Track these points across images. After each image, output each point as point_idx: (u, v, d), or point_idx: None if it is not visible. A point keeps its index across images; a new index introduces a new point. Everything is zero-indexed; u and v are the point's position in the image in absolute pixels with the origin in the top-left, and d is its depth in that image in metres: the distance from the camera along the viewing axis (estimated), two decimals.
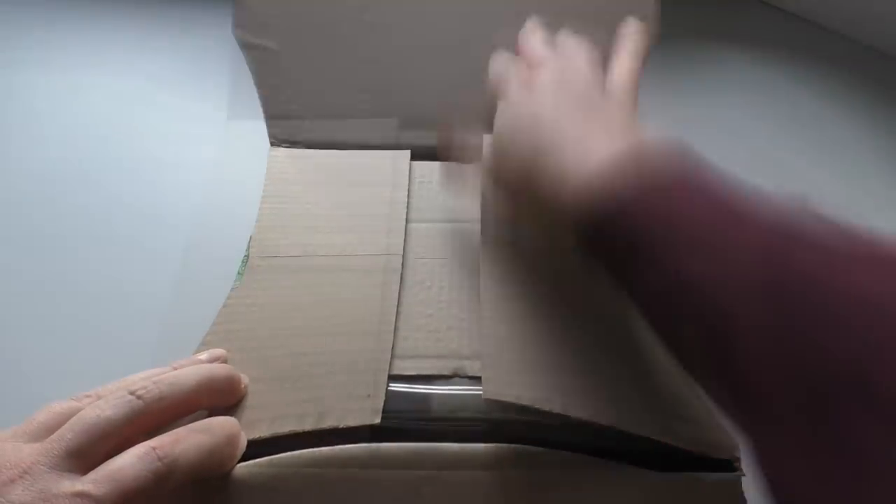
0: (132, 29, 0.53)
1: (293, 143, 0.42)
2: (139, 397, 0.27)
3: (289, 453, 0.28)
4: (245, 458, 0.29)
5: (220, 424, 0.28)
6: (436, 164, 0.41)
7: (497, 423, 0.31)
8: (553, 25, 0.35)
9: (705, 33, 0.56)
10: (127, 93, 0.49)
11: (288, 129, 0.42)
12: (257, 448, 0.29)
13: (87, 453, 0.25)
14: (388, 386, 0.31)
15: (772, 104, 0.51)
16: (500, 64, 0.35)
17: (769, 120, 0.50)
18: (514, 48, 0.35)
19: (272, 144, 0.42)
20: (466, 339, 0.34)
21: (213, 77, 0.49)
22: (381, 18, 0.42)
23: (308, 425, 0.29)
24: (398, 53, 0.42)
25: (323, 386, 0.31)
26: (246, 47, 0.42)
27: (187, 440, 0.26)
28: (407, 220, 0.38)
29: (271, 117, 0.42)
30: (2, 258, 0.41)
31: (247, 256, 0.37)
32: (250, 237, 0.38)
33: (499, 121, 0.33)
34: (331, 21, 0.42)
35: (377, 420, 0.29)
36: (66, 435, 0.25)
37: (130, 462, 0.25)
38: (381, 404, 0.30)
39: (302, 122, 0.42)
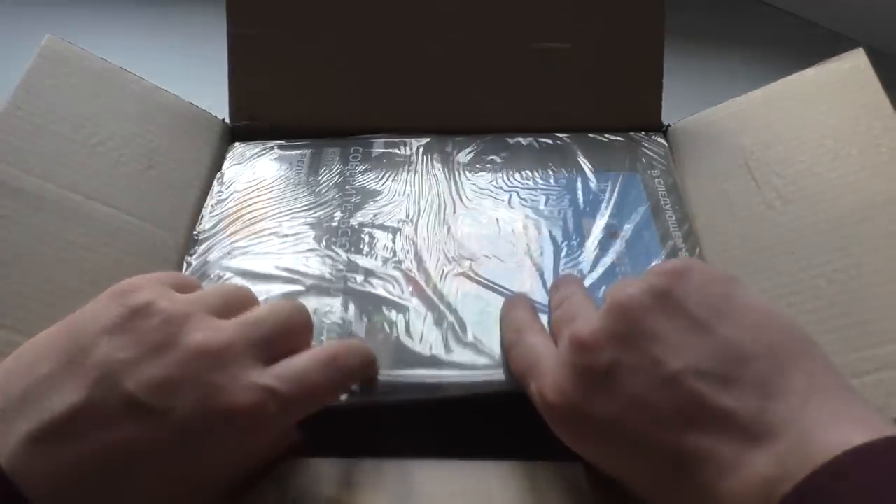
0: (132, 28, 0.53)
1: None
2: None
3: None
4: None
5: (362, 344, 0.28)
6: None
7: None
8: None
9: (705, 33, 0.56)
10: None
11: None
12: None
13: (277, 346, 0.24)
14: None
15: None
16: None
17: None
18: None
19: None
20: None
21: (213, 77, 0.49)
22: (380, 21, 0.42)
23: None
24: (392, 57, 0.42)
25: None
26: (236, 40, 0.42)
27: (354, 352, 0.26)
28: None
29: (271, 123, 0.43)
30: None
31: None
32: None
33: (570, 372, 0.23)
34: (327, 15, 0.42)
35: None
36: (268, 320, 0.24)
37: (314, 367, 0.23)
38: None
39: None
